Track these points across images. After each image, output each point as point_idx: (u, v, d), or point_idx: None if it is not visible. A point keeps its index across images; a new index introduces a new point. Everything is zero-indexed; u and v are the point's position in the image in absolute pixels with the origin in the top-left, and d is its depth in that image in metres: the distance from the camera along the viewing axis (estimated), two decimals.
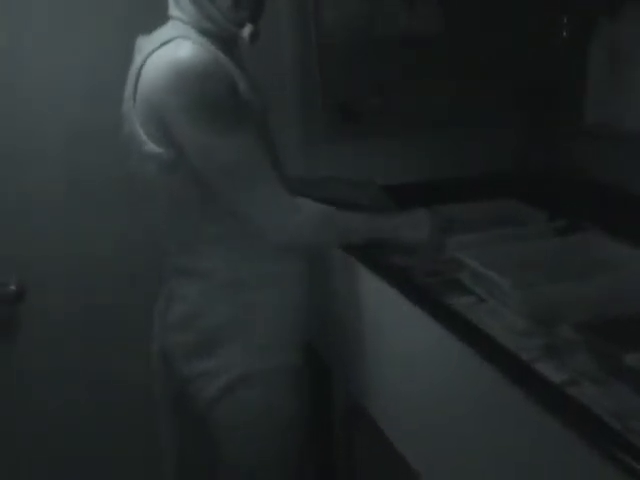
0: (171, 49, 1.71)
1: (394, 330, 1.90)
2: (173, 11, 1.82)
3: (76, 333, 2.56)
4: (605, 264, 1.87)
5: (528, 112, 2.74)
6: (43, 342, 2.52)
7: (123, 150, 1.84)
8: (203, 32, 1.78)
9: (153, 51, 1.73)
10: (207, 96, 1.68)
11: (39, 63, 2.41)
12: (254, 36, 1.82)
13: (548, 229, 2.12)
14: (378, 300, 1.97)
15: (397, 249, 2.01)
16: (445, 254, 1.97)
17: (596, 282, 1.73)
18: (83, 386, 2.59)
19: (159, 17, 1.85)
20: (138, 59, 1.78)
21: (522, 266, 1.83)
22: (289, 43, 2.58)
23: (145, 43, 1.80)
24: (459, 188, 2.50)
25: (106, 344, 2.57)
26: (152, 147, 1.73)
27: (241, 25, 1.80)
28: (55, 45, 2.42)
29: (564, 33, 2.57)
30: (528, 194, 2.36)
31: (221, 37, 1.80)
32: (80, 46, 2.43)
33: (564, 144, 2.63)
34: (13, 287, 2.44)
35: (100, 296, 2.55)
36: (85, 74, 2.44)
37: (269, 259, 1.86)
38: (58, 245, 2.51)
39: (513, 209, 2.32)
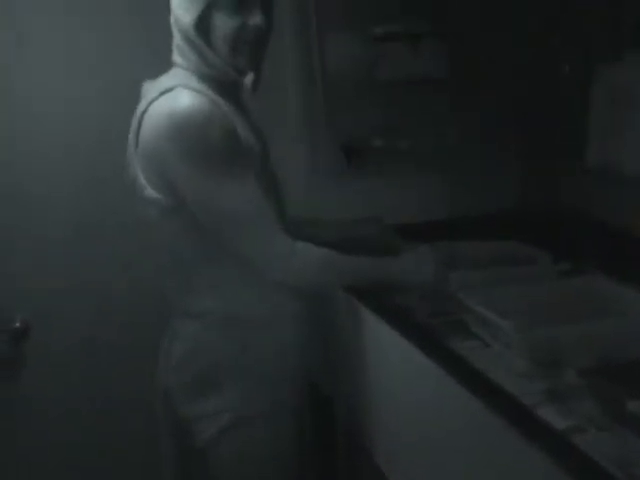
0: (171, 98, 1.73)
1: (395, 372, 1.90)
2: (176, 58, 1.84)
3: (80, 369, 2.57)
4: (608, 307, 1.87)
5: (531, 153, 2.76)
6: (47, 378, 2.52)
7: (128, 193, 1.86)
8: (204, 78, 1.80)
9: (154, 99, 1.75)
10: (205, 144, 1.70)
11: (52, 108, 2.46)
12: (256, 83, 1.84)
13: (551, 271, 2.12)
14: (380, 341, 1.96)
15: (400, 288, 2.01)
16: (448, 292, 1.97)
17: (600, 326, 1.74)
18: (86, 422, 2.60)
19: (167, 63, 1.87)
20: (141, 106, 1.80)
21: (525, 308, 1.83)
22: (294, 84, 2.62)
23: (150, 89, 1.82)
24: (462, 228, 2.52)
25: (110, 381, 2.57)
26: (152, 192, 1.75)
27: (241, 71, 1.82)
28: (68, 92, 2.47)
29: (567, 76, 2.60)
30: (531, 235, 2.36)
31: (222, 83, 1.82)
32: (91, 93, 2.47)
33: (567, 185, 2.64)
34: (18, 324, 2.45)
35: (104, 333, 2.57)
36: (94, 119, 2.49)
37: (268, 299, 1.86)
38: (63, 281, 2.53)
39: (516, 249, 2.32)
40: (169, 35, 1.86)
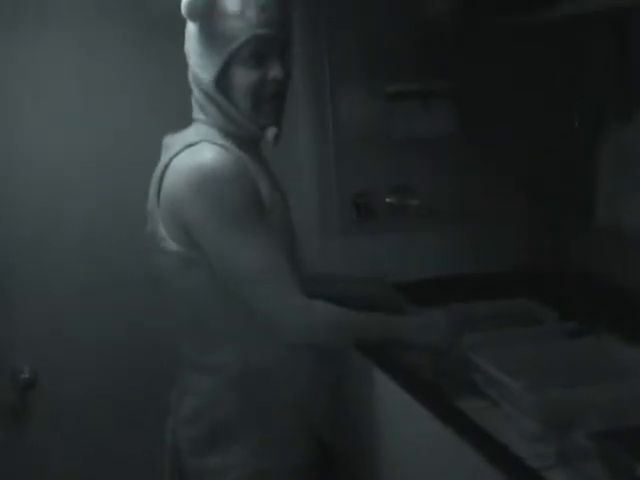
0: (195, 152, 1.76)
1: (403, 430, 1.89)
2: (197, 114, 1.87)
3: (86, 421, 2.56)
4: (618, 368, 1.87)
5: (541, 210, 2.77)
6: (53, 430, 2.52)
7: (144, 246, 1.88)
8: (227, 134, 1.83)
9: (177, 153, 1.78)
10: (229, 199, 1.72)
11: (63, 161, 2.51)
12: (277, 137, 1.86)
13: (560, 330, 2.12)
14: (389, 399, 1.96)
15: (411, 347, 2.01)
16: (458, 353, 1.97)
17: (611, 388, 1.73)
18: (92, 475, 2.58)
19: (180, 119, 1.90)
20: (163, 160, 1.82)
21: (535, 369, 1.83)
22: (306, 139, 2.65)
23: (171, 143, 1.85)
24: (472, 285, 2.53)
25: (117, 434, 2.57)
26: (172, 244, 1.77)
27: (263, 127, 1.84)
28: (79, 145, 2.51)
29: (576, 134, 2.62)
30: (540, 293, 2.37)
31: (244, 138, 1.85)
32: (103, 145, 2.52)
33: (576, 243, 2.65)
34: (26, 374, 2.46)
35: (112, 385, 2.56)
36: (106, 172, 2.54)
37: (281, 355, 1.86)
38: (71, 332, 2.55)
39: (525, 308, 2.33)
40: (185, 89, 1.89)
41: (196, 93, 1.85)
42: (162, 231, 1.78)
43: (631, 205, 2.35)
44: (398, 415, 1.91)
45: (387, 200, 2.67)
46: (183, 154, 1.77)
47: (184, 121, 1.90)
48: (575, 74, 2.62)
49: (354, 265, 2.48)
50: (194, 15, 1.79)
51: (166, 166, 1.79)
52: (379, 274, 2.35)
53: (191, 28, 1.84)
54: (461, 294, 2.41)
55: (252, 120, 1.82)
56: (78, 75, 2.51)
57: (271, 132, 1.84)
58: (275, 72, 1.79)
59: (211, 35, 1.79)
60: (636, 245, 2.32)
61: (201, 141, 1.78)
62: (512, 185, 2.77)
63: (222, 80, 1.79)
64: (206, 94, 1.82)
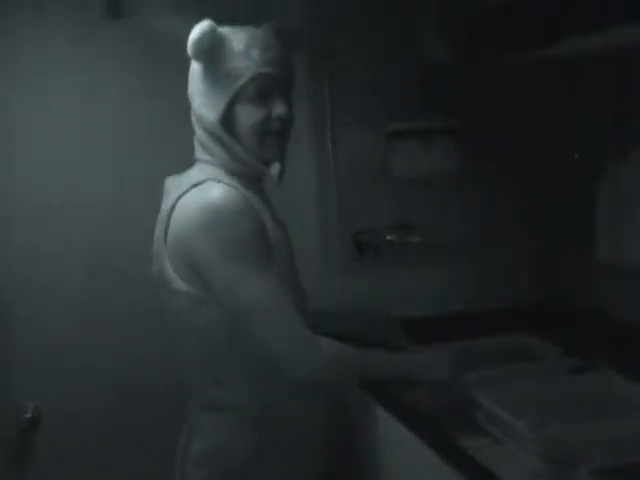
0: (202, 191, 1.78)
1: (406, 467, 1.89)
2: (200, 155, 1.89)
3: (90, 462, 2.54)
4: (621, 404, 1.87)
5: (541, 246, 2.78)
6: (55, 471, 2.50)
7: (153, 286, 1.89)
8: (231, 173, 1.85)
9: (184, 193, 1.79)
10: (237, 237, 1.74)
11: (64, 199, 2.53)
12: (282, 174, 1.89)
13: (562, 366, 2.12)
14: (391, 436, 1.96)
15: (414, 383, 2.01)
16: (460, 390, 1.97)
17: (613, 424, 1.73)
18: None
19: (180, 161, 1.92)
20: (168, 201, 1.84)
21: (537, 406, 1.82)
22: (308, 177, 2.68)
23: (174, 185, 1.87)
24: (473, 321, 2.54)
25: (120, 475, 2.54)
26: (181, 284, 1.78)
27: (268, 162, 1.86)
28: (80, 185, 2.54)
29: (577, 171, 2.64)
30: (541, 329, 2.38)
31: (249, 176, 1.87)
32: (104, 186, 2.55)
33: (577, 279, 2.66)
34: (29, 414, 2.45)
35: (116, 424, 2.55)
36: (107, 210, 2.55)
37: (290, 393, 1.86)
38: (75, 371, 2.54)
39: (526, 344, 2.33)
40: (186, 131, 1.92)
41: (200, 134, 1.88)
42: (170, 271, 1.79)
43: (631, 240, 2.36)
44: (400, 452, 1.92)
45: (388, 237, 2.68)
46: (190, 193, 1.79)
47: (184, 163, 1.92)
48: (575, 112, 2.64)
49: (355, 302, 2.50)
50: (200, 55, 1.82)
51: (172, 207, 1.80)
52: (380, 311, 2.36)
53: (196, 69, 1.87)
54: (462, 330, 2.42)
55: (257, 157, 1.85)
56: (79, 115, 2.54)
57: (275, 168, 1.86)
58: (279, 109, 1.82)
59: (216, 74, 1.82)
60: (637, 279, 2.32)
61: (207, 180, 1.80)
62: (512, 221, 2.79)
63: (227, 118, 1.82)
64: (210, 133, 1.84)
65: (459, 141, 2.69)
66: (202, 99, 1.85)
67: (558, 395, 1.91)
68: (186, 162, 1.92)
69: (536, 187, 2.77)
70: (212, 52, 1.81)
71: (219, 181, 1.80)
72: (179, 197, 1.80)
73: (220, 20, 1.83)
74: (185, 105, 1.90)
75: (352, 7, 2.62)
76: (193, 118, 1.88)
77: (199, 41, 1.79)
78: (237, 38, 1.82)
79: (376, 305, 2.45)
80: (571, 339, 2.28)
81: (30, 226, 2.49)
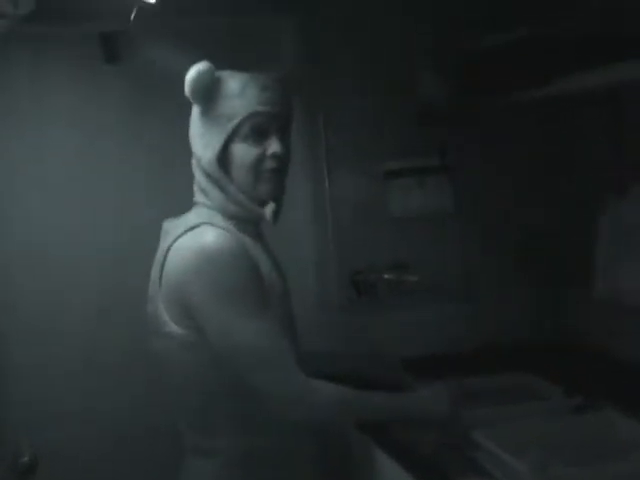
0: (196, 235, 1.78)
1: None
2: (198, 198, 1.89)
3: None
4: (623, 444, 1.85)
5: (540, 283, 2.78)
6: None
7: (144, 328, 1.88)
8: (228, 216, 1.85)
9: (179, 236, 1.79)
10: (230, 281, 1.73)
11: (63, 244, 2.57)
12: (276, 215, 1.88)
13: (564, 406, 2.11)
14: (390, 477, 1.94)
15: (413, 424, 1.99)
16: (460, 429, 1.95)
17: (615, 465, 1.71)
18: None
19: (179, 203, 1.92)
20: (164, 243, 1.84)
21: (538, 446, 1.80)
22: (304, 218, 2.69)
23: (171, 227, 1.87)
24: (473, 360, 2.54)
25: None
26: (174, 327, 1.77)
27: (263, 202, 1.86)
28: (79, 232, 2.59)
29: (573, 207, 2.65)
30: (543, 367, 2.36)
31: (245, 219, 1.87)
32: (103, 229, 2.60)
33: (578, 315, 2.66)
34: (26, 458, 2.42)
35: (114, 470, 2.54)
36: (106, 253, 2.60)
37: (281, 436, 1.84)
38: (73, 415, 2.55)
39: (528, 383, 2.31)
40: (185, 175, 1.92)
41: (198, 176, 1.88)
42: (164, 315, 1.78)
43: (629, 277, 2.36)
44: None
45: (385, 277, 2.68)
46: (185, 237, 1.79)
47: (183, 208, 1.92)
48: (572, 149, 2.66)
49: (353, 342, 2.50)
50: (196, 95, 1.83)
51: (168, 249, 1.80)
52: (378, 351, 2.35)
53: (195, 112, 1.88)
54: (462, 369, 2.40)
55: (252, 197, 1.85)
56: (78, 160, 2.59)
57: (270, 208, 1.86)
58: (274, 148, 1.83)
59: (213, 115, 1.83)
60: (636, 316, 2.32)
61: (202, 224, 1.80)
62: (511, 259, 2.79)
63: (223, 158, 1.83)
64: (208, 175, 1.84)
65: (455, 179, 2.71)
66: (200, 140, 1.86)
67: (560, 435, 1.89)
68: (185, 206, 1.92)
69: (535, 225, 2.78)
70: (209, 92, 1.82)
71: (214, 225, 1.80)
72: (174, 240, 1.80)
73: (218, 66, 1.84)
74: (184, 150, 1.91)
75: (350, 48, 2.65)
76: (193, 162, 1.89)
77: (196, 81, 1.81)
78: (234, 79, 1.83)
79: (373, 345, 2.44)
80: (573, 378, 2.26)
81: (30, 272, 2.52)
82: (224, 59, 1.85)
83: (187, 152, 1.90)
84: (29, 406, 2.50)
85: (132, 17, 2.28)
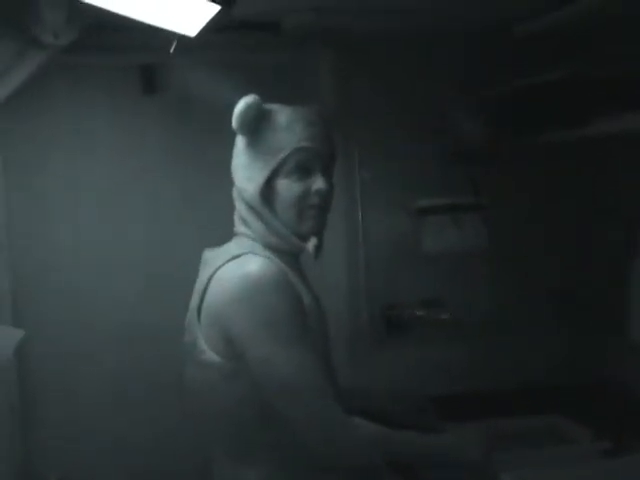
0: (240, 263, 1.78)
1: None
2: (239, 228, 1.90)
3: None
4: None
5: (574, 325, 2.76)
6: None
7: (182, 357, 1.88)
8: (269, 247, 1.85)
9: (222, 265, 1.79)
10: (274, 310, 1.72)
11: (94, 268, 2.60)
12: (318, 249, 1.89)
13: (594, 450, 2.08)
14: None
15: (446, 466, 1.97)
16: (492, 473, 1.93)
17: None
18: None
19: (216, 234, 1.93)
20: (205, 272, 1.84)
21: None
22: (338, 253, 2.69)
23: (212, 257, 1.87)
24: (504, 400, 2.52)
25: None
26: (212, 356, 1.77)
27: (305, 238, 1.87)
28: (114, 258, 2.63)
29: (608, 247, 2.63)
30: (574, 409, 2.34)
31: (287, 252, 1.87)
32: (133, 256, 2.62)
33: (611, 360, 2.63)
34: None
35: None
36: (134, 283, 2.63)
37: (313, 473, 1.83)
38: (101, 442, 2.56)
39: (559, 425, 2.29)
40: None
41: (240, 207, 1.89)
42: (202, 343, 1.78)
43: None
44: None
45: (418, 313, 2.67)
46: (228, 266, 1.79)
47: (220, 237, 1.92)
48: (604, 191, 2.65)
49: (383, 378, 2.48)
50: (243, 128, 1.83)
51: (209, 279, 1.81)
52: (408, 388, 2.34)
53: (239, 143, 1.89)
54: (493, 409, 2.40)
55: (295, 231, 1.85)
56: (113, 190, 2.64)
57: (312, 243, 1.86)
58: (319, 184, 1.83)
59: (258, 148, 1.84)
60: None
61: (245, 253, 1.80)
62: (544, 299, 2.78)
63: (266, 192, 1.83)
64: (250, 207, 1.85)
65: (488, 218, 2.70)
66: (244, 172, 1.86)
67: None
68: (223, 237, 1.92)
69: (568, 265, 2.77)
70: (256, 125, 1.83)
71: (257, 254, 1.80)
72: (217, 269, 1.80)
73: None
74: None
75: (384, 85, 2.68)
76: (235, 192, 1.90)
77: (244, 114, 1.81)
78: (281, 113, 1.84)
79: (405, 382, 2.43)
80: (603, 421, 2.23)
81: (60, 295, 2.56)
82: (261, 95, 1.86)
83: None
84: (56, 432, 2.52)
85: (172, 50, 2.32)
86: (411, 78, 2.69)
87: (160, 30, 1.96)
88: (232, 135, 1.85)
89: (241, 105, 1.81)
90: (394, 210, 2.72)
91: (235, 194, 1.89)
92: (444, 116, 2.67)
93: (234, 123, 1.83)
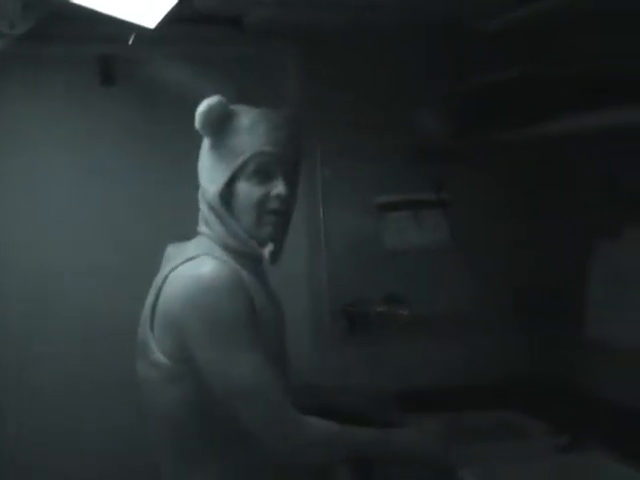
0: (194, 266, 1.76)
1: None
2: (201, 228, 1.88)
3: None
4: None
5: (531, 323, 2.78)
6: None
7: (123, 351, 1.87)
8: (227, 249, 1.83)
9: (177, 266, 1.78)
10: (225, 313, 1.71)
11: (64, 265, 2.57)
12: (274, 255, 1.87)
13: (549, 445, 2.10)
14: None
15: (403, 461, 1.97)
16: (449, 468, 1.93)
17: None
18: None
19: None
20: (163, 270, 1.83)
21: None
22: (299, 250, 2.67)
23: (172, 254, 1.86)
24: (463, 396, 2.52)
25: None
26: (160, 357, 1.75)
27: (263, 243, 1.85)
28: (78, 254, 2.58)
29: (567, 247, 2.65)
30: (530, 405, 2.36)
31: (244, 254, 1.85)
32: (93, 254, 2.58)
33: (568, 356, 2.66)
34: None
35: None
36: (105, 280, 2.59)
37: (258, 474, 1.82)
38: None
39: (515, 421, 2.31)
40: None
41: (203, 207, 1.87)
42: (152, 343, 1.77)
43: (620, 319, 2.36)
44: None
45: (378, 310, 2.67)
46: (181, 267, 1.77)
47: (184, 232, 1.90)
48: (566, 188, 2.67)
49: (346, 374, 2.48)
50: (206, 129, 1.82)
51: (165, 277, 1.79)
52: (370, 384, 2.35)
53: (205, 144, 1.87)
54: (451, 404, 2.41)
55: (252, 235, 1.83)
56: (73, 180, 2.60)
57: (268, 248, 1.85)
58: (279, 189, 1.80)
59: (222, 149, 1.82)
60: (625, 358, 2.31)
61: (200, 255, 1.79)
62: (501, 296, 2.79)
63: (227, 194, 1.82)
64: (211, 207, 1.83)
65: (449, 214, 2.71)
66: (207, 173, 1.85)
67: (544, 475, 1.89)
68: (185, 230, 1.90)
69: (529, 262, 2.78)
70: (219, 127, 1.81)
71: (212, 256, 1.78)
72: (172, 270, 1.78)
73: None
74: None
75: (348, 83, 2.67)
76: (200, 193, 1.88)
77: (205, 115, 1.79)
78: (245, 115, 1.82)
79: (365, 378, 2.43)
80: (560, 418, 2.25)
81: (22, 295, 2.54)
82: (220, 87, 1.84)
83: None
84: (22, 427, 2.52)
85: (130, 41, 2.30)
86: (374, 74, 2.68)
87: (119, 21, 1.93)
88: (193, 130, 1.82)
89: (203, 106, 1.80)
90: (356, 207, 2.71)
91: (200, 194, 1.88)
92: (406, 113, 2.67)
93: (196, 124, 1.81)
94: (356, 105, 2.67)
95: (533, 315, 2.77)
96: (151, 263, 1.88)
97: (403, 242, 2.69)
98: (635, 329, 2.26)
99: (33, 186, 2.55)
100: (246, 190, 1.80)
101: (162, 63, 2.55)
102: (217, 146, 1.82)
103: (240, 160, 1.79)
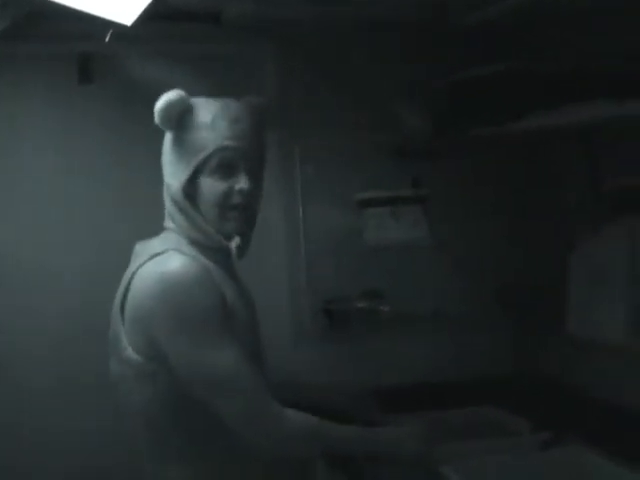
0: (160, 261, 1.75)
1: None
2: (167, 223, 1.87)
3: None
4: None
5: (513, 319, 2.79)
6: None
7: (106, 350, 1.84)
8: (194, 243, 1.82)
9: (144, 262, 1.77)
10: (194, 308, 1.70)
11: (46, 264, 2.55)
12: (241, 249, 1.86)
13: (532, 441, 2.10)
14: None
15: (384, 458, 1.97)
16: (430, 465, 1.93)
17: None
18: None
19: (152, 221, 1.90)
20: (131, 267, 1.82)
21: None
22: (278, 246, 2.68)
23: (140, 251, 1.84)
24: (443, 392, 2.52)
25: None
26: (132, 354, 1.74)
27: (229, 237, 1.84)
28: (52, 253, 2.56)
29: (549, 243, 2.66)
30: (512, 401, 2.36)
31: (211, 247, 1.84)
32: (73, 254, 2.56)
33: (549, 352, 2.67)
34: None
35: None
36: (77, 280, 2.57)
37: (240, 472, 1.81)
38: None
39: (497, 417, 2.31)
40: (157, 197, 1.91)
41: (167, 202, 1.86)
42: (124, 339, 1.76)
43: (602, 316, 2.36)
44: None
45: (358, 306, 2.67)
46: (149, 263, 1.76)
47: (157, 228, 1.89)
48: (547, 185, 2.68)
49: (326, 371, 2.48)
50: (167, 124, 1.81)
51: (133, 273, 1.78)
52: (351, 381, 2.35)
53: (167, 139, 1.86)
54: (431, 401, 2.41)
55: (217, 230, 1.82)
56: (52, 183, 2.57)
57: (234, 242, 1.84)
58: (242, 184, 1.79)
59: (183, 144, 1.81)
60: (606, 354, 2.32)
61: (167, 250, 1.77)
62: (484, 293, 2.79)
63: (190, 189, 1.81)
64: (175, 203, 1.82)
65: (429, 210, 2.71)
66: (170, 168, 1.84)
67: (527, 471, 1.89)
68: (159, 227, 1.89)
69: (509, 259, 2.79)
70: (179, 121, 1.80)
71: (180, 251, 1.77)
72: (140, 266, 1.77)
73: (192, 92, 1.82)
74: (155, 171, 1.89)
75: (327, 81, 2.66)
76: (164, 188, 1.87)
77: (165, 109, 1.78)
78: (206, 109, 1.80)
79: (346, 375, 2.43)
80: (542, 414, 2.26)
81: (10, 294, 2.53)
82: (199, 84, 1.83)
83: (156, 175, 1.88)
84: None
85: (107, 39, 2.28)
86: (354, 71, 2.68)
87: (96, 18, 1.92)
88: None
89: (161, 101, 1.78)
90: (335, 204, 2.70)
91: (164, 189, 1.87)
92: (387, 110, 2.66)
93: (156, 119, 1.80)
94: (335, 102, 2.66)
95: (518, 312, 2.77)
96: (124, 260, 1.87)
97: (383, 238, 2.69)
98: (618, 326, 2.27)
99: (11, 185, 2.53)
100: (209, 185, 1.79)
101: (139, 61, 2.53)
102: (179, 140, 1.81)
103: (202, 155, 1.78)
